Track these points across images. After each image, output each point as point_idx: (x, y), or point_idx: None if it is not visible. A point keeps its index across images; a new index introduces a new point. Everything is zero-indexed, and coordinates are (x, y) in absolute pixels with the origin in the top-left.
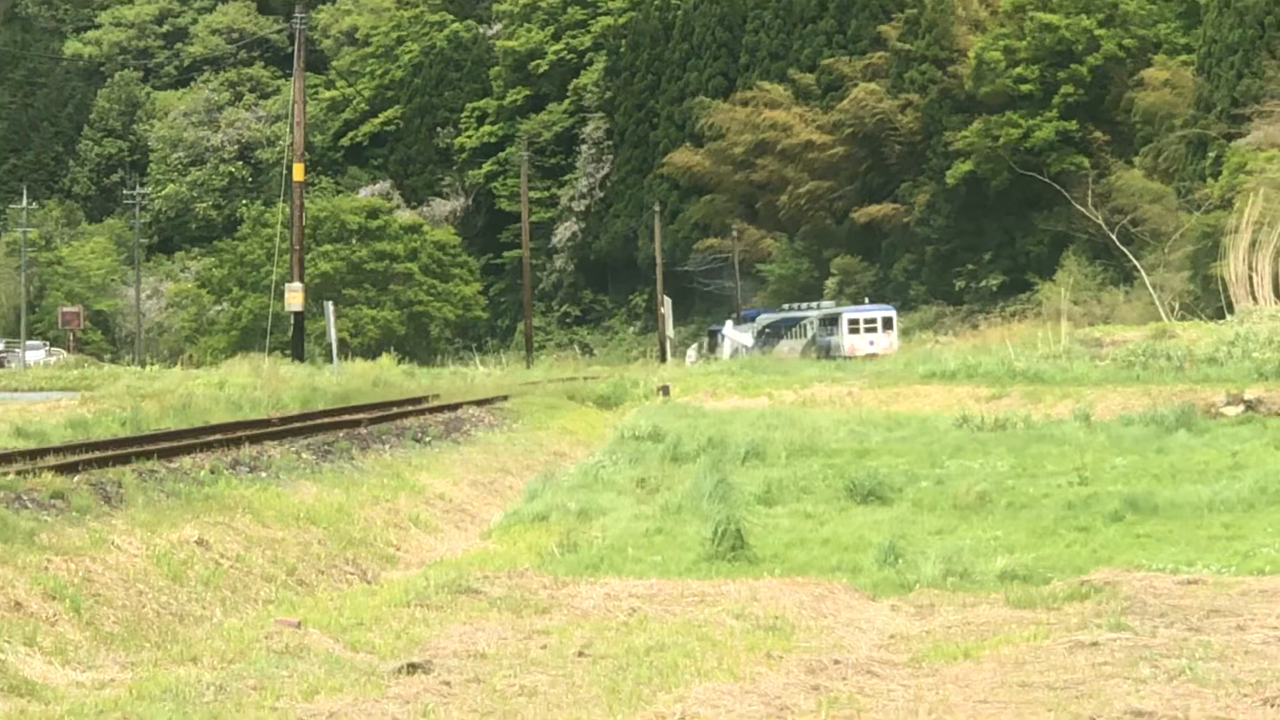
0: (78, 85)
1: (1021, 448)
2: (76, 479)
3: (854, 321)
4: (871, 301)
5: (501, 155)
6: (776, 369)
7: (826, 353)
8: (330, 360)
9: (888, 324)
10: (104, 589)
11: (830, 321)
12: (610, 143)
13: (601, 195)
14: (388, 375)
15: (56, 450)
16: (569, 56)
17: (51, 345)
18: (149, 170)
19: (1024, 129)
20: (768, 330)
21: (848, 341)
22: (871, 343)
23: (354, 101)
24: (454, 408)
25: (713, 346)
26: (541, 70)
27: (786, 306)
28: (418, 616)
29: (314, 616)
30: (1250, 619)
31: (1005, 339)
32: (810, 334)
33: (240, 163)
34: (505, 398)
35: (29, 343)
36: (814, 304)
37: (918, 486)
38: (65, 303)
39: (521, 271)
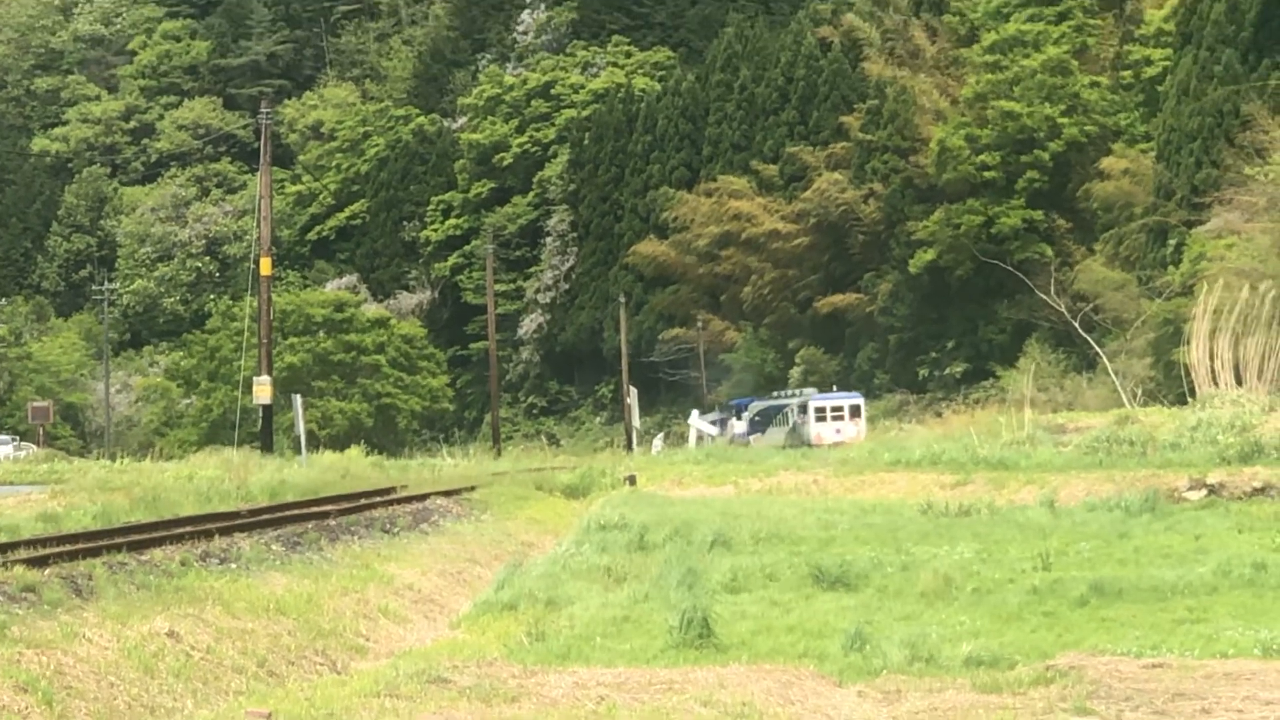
0: (46, 181)
1: (986, 534)
2: (47, 572)
3: (820, 409)
4: (840, 389)
5: (467, 248)
6: (742, 457)
7: (797, 440)
8: (299, 452)
9: (855, 411)
10: (76, 681)
11: (800, 409)
12: (575, 235)
13: (567, 287)
14: (356, 467)
15: (27, 544)
16: (533, 149)
17: (21, 439)
18: (117, 265)
19: (986, 217)
20: (758, 418)
21: (814, 429)
22: (838, 430)
23: (320, 196)
24: (422, 498)
25: (723, 430)
26: (506, 163)
27: (775, 394)
28: (388, 707)
29: (285, 707)
30: (1215, 702)
31: (969, 426)
32: (791, 421)
33: (208, 258)
34: (473, 488)
35: None
36: (798, 391)
37: (883, 573)
38: (35, 397)
39: (488, 363)
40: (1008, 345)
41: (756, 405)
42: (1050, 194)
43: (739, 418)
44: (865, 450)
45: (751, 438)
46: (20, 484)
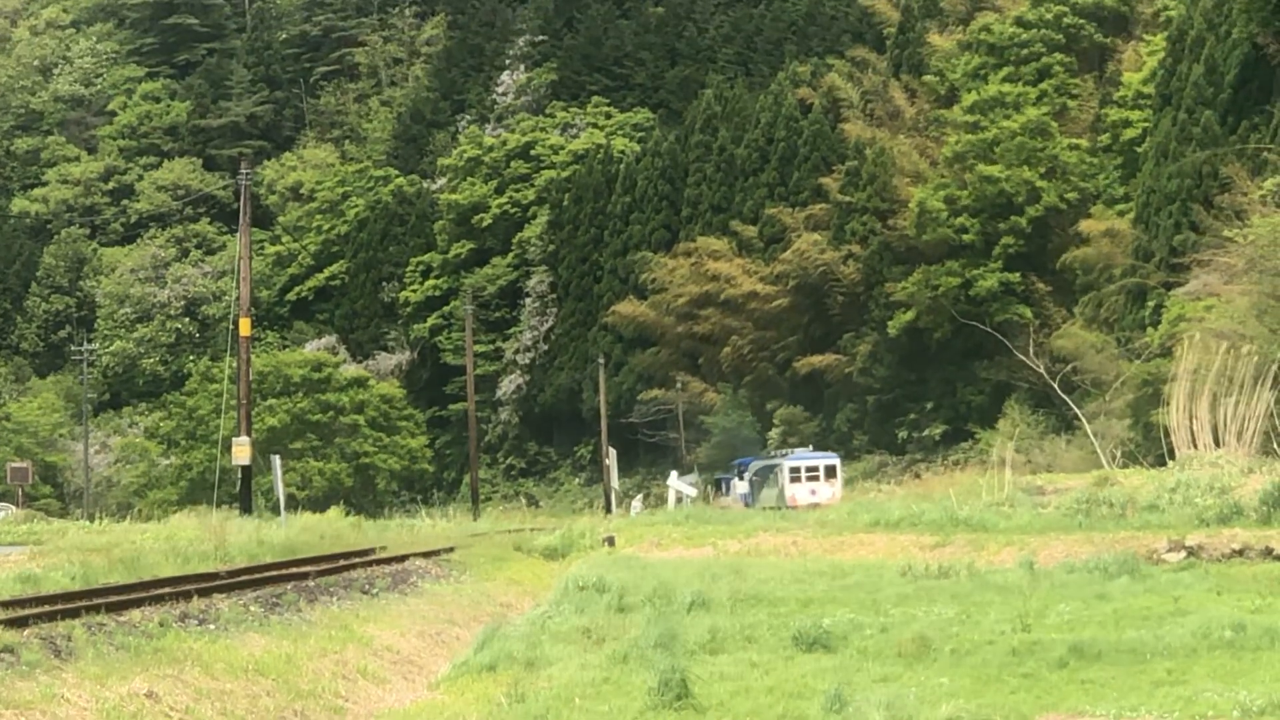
0: (25, 243)
1: (965, 595)
2: (26, 633)
3: (795, 470)
4: (817, 450)
5: (446, 309)
6: (721, 519)
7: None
8: (278, 513)
9: (830, 472)
10: None
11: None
12: (554, 295)
13: (546, 348)
14: (335, 528)
15: (5, 604)
16: (513, 210)
17: (0, 500)
18: (96, 326)
19: (965, 279)
20: (756, 479)
21: (789, 491)
22: (813, 492)
23: (299, 256)
24: (401, 559)
25: (727, 489)
26: (485, 224)
27: (772, 454)
28: None
29: None
30: None
31: (948, 488)
32: (780, 482)
33: (187, 318)
34: (452, 549)
35: None
36: (788, 451)
37: (862, 634)
38: (14, 458)
39: (467, 424)
40: (987, 406)
41: (755, 464)
42: (1029, 256)
43: (741, 478)
44: (844, 511)
45: (751, 497)
46: None
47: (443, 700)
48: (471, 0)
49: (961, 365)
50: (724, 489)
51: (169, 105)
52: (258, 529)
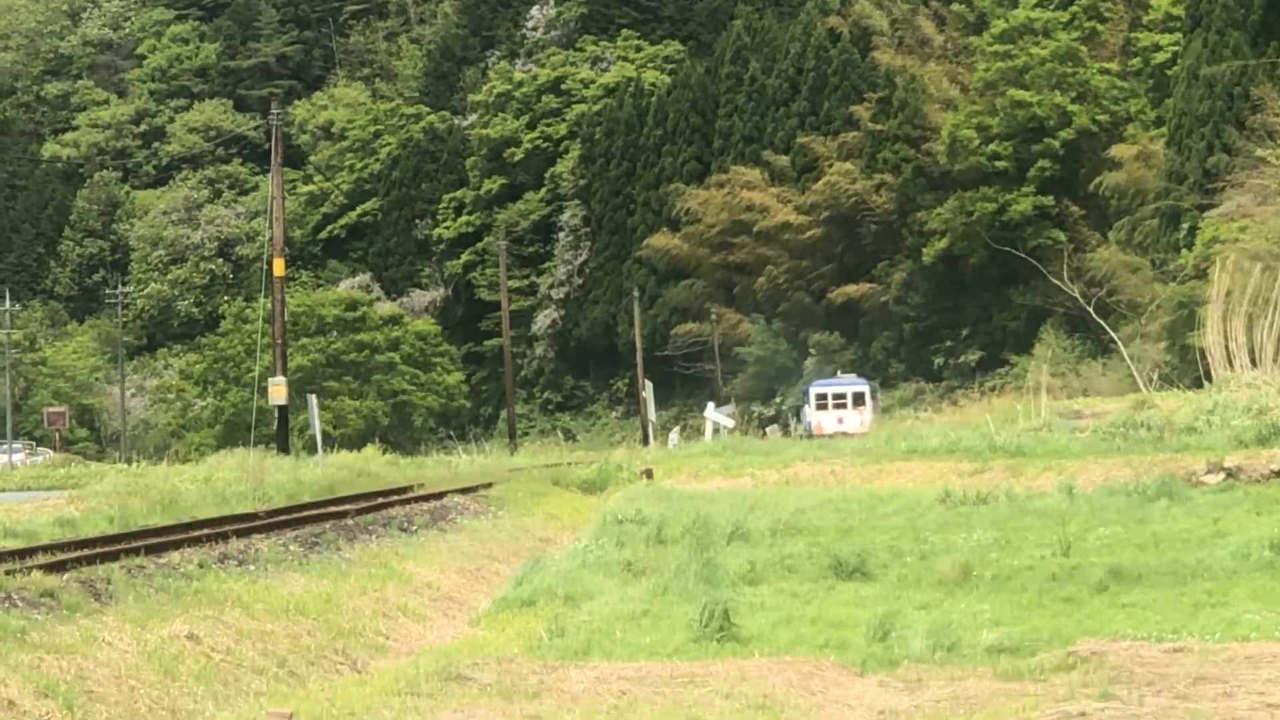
0: (57, 187)
1: (1004, 521)
2: (66, 577)
3: (821, 396)
4: (845, 375)
5: (479, 245)
6: (758, 449)
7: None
8: (315, 452)
9: (859, 399)
10: (96, 686)
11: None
12: (588, 230)
13: (580, 282)
14: (372, 466)
15: (45, 549)
16: (544, 145)
17: (37, 445)
18: (130, 269)
19: (999, 204)
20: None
21: (814, 419)
22: (840, 420)
23: (332, 195)
24: (439, 496)
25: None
26: (517, 159)
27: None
28: (409, 705)
29: (305, 708)
30: (1236, 686)
31: (985, 414)
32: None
33: (220, 260)
34: (490, 485)
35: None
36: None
37: (902, 562)
38: (51, 402)
39: (502, 360)
40: (1022, 332)
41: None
42: (1062, 181)
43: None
44: (881, 440)
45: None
46: (37, 489)
47: (483, 636)
48: None
49: (996, 291)
50: (799, 417)
51: (198, 47)
52: (295, 469)
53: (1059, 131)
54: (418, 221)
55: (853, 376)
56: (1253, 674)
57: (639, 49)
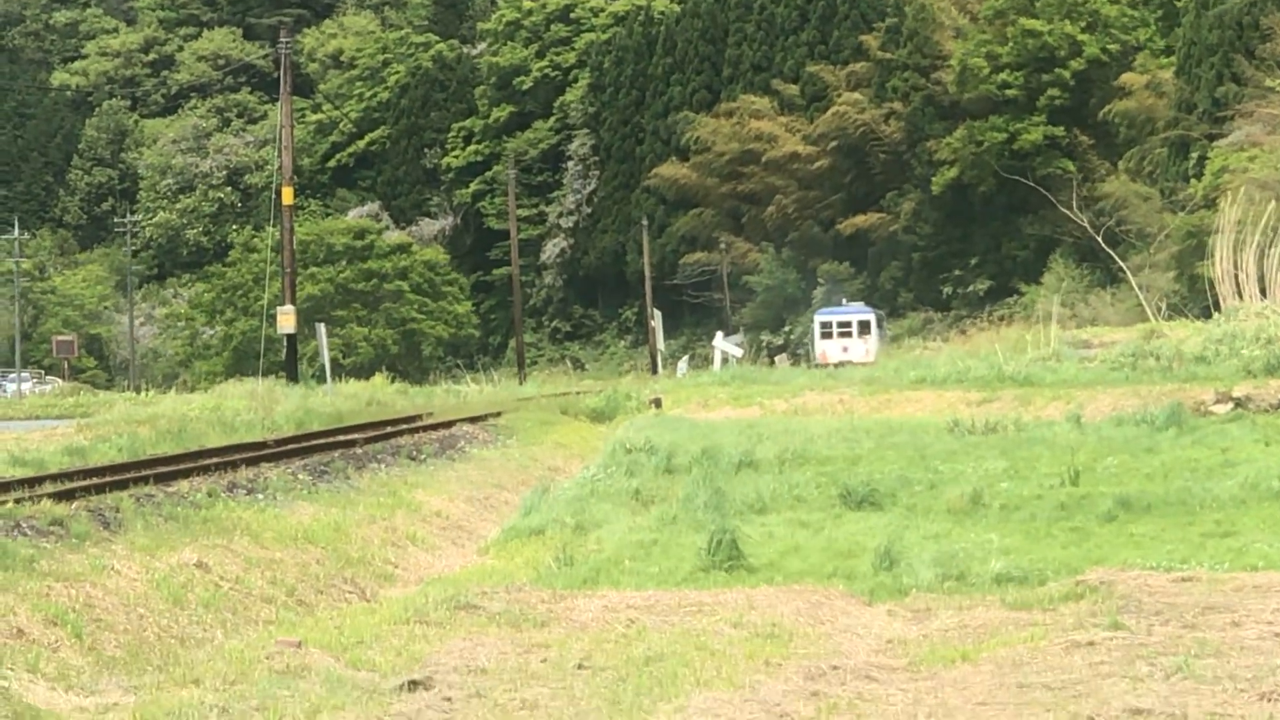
0: (66, 115)
1: (1013, 450)
2: (75, 505)
3: (826, 325)
4: (847, 303)
5: (488, 174)
6: (767, 379)
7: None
8: (324, 381)
9: (864, 328)
10: (105, 614)
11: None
12: (597, 159)
13: (589, 211)
14: (381, 395)
15: (54, 478)
16: (553, 74)
17: (46, 373)
18: (139, 198)
19: (1008, 133)
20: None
21: (818, 347)
22: (845, 349)
23: (340, 124)
24: (448, 425)
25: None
26: (526, 88)
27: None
28: (417, 633)
29: (314, 636)
30: (1245, 615)
31: (994, 343)
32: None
33: (229, 188)
34: (499, 414)
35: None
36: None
37: (911, 491)
38: (60, 331)
39: (511, 289)
40: (1031, 261)
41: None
42: (1072, 110)
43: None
44: (891, 368)
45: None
46: (46, 418)
47: (492, 564)
48: None
49: (1006, 220)
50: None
51: None
52: (304, 397)
53: (1069, 61)
54: (426, 150)
55: (859, 305)
56: (1261, 603)
57: None
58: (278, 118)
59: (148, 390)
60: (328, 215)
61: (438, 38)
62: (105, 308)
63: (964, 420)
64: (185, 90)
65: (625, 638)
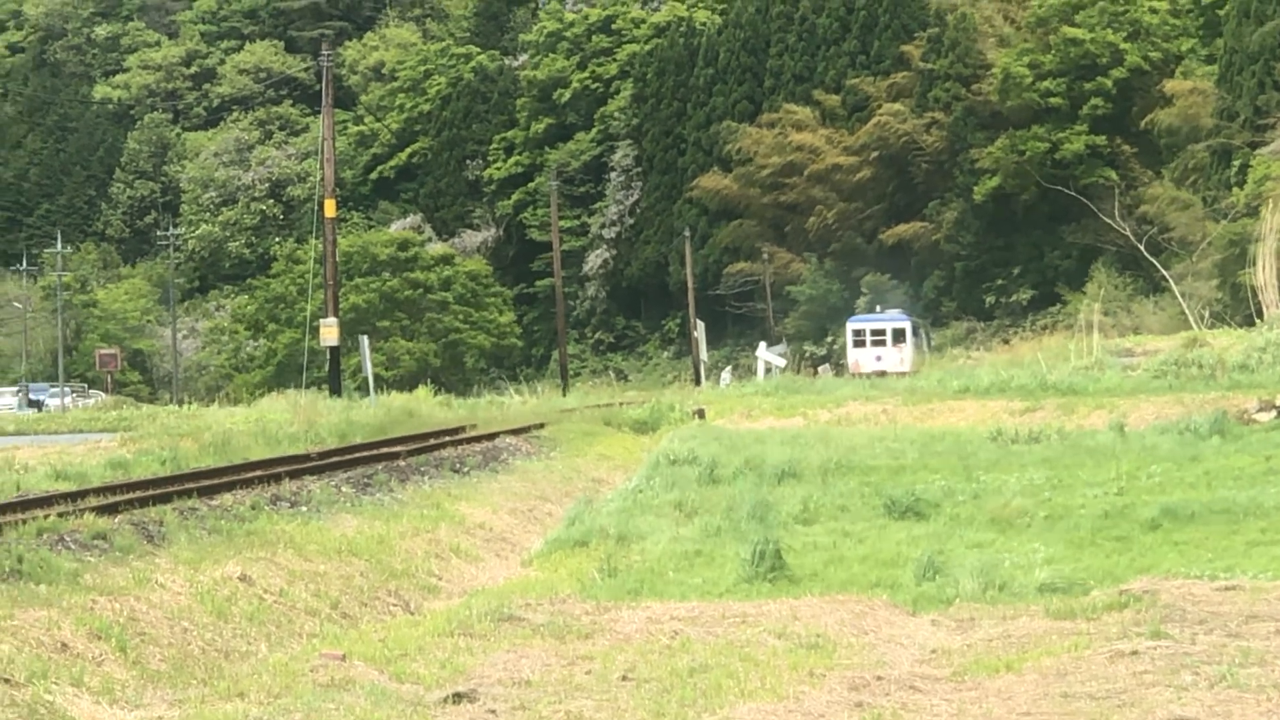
0: (108, 129)
1: (1056, 460)
2: (118, 519)
3: (858, 333)
4: (885, 311)
5: (530, 185)
6: (810, 389)
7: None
8: (366, 393)
9: (899, 336)
10: (149, 627)
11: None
12: (639, 170)
13: (632, 222)
14: (424, 407)
15: (97, 491)
16: (595, 85)
17: (89, 387)
18: (181, 211)
19: (1050, 143)
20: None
21: (851, 356)
22: (879, 358)
23: (382, 136)
24: (491, 437)
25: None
26: (565, 99)
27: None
28: (461, 645)
29: (358, 648)
30: None
31: (1037, 352)
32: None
33: (271, 201)
34: (542, 425)
35: (35, 385)
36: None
37: (954, 501)
38: (102, 345)
39: (554, 300)
40: (1074, 270)
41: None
42: (1114, 119)
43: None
44: (934, 379)
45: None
46: (89, 431)
47: (536, 576)
48: None
49: (1048, 229)
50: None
51: None
52: (347, 410)
53: (1111, 69)
54: (468, 162)
55: (895, 311)
56: None
57: None
58: (320, 130)
59: (190, 403)
60: (370, 228)
61: (479, 49)
62: (148, 321)
63: (1007, 429)
64: (227, 103)
65: (669, 649)
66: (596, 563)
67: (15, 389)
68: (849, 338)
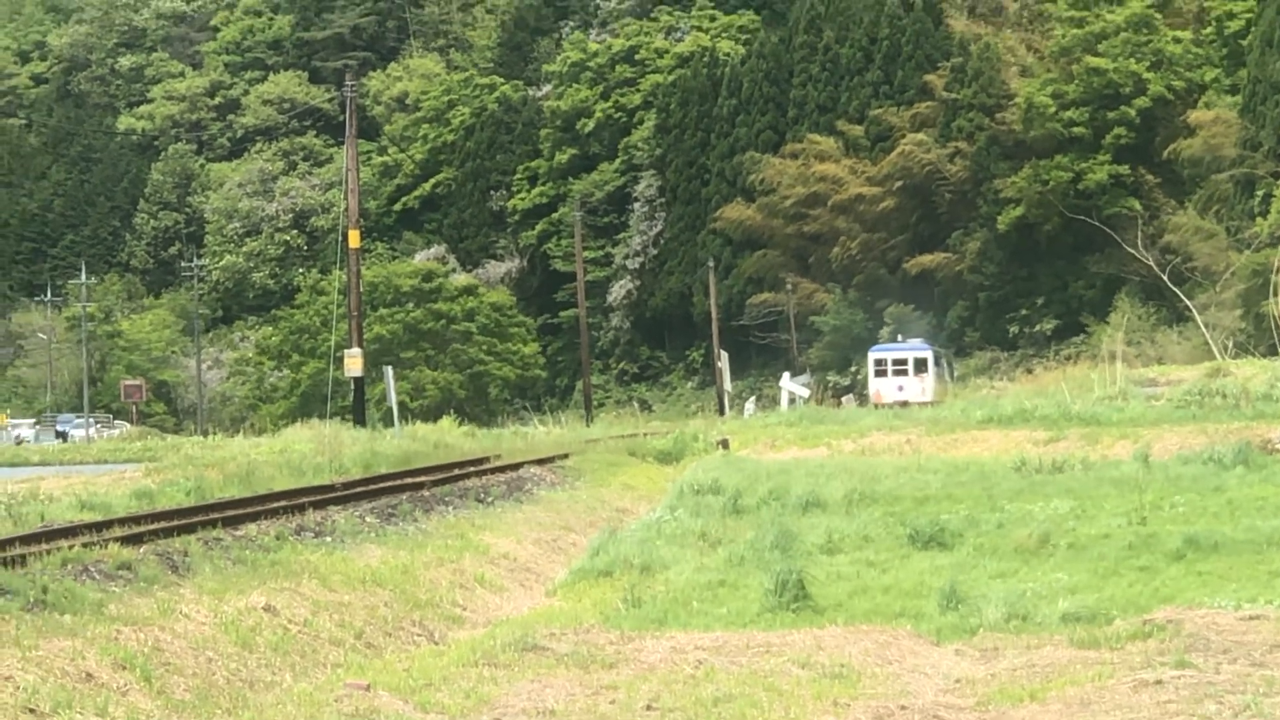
0: (132, 160)
1: (1080, 489)
2: (143, 549)
3: (880, 362)
4: (907, 340)
5: (554, 216)
6: (834, 419)
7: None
8: (391, 424)
9: (920, 366)
10: (174, 658)
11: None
12: (662, 200)
13: (655, 252)
14: (448, 437)
15: (122, 521)
16: (618, 115)
17: (113, 418)
18: (205, 242)
19: (1074, 172)
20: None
21: (872, 386)
22: (900, 388)
23: (406, 166)
24: (515, 467)
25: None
26: (589, 130)
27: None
28: (486, 675)
29: (383, 678)
30: None
31: (1060, 382)
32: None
33: (295, 231)
34: (566, 456)
35: (60, 416)
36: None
37: (978, 531)
38: (127, 376)
39: (578, 330)
40: (1097, 300)
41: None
42: (1137, 148)
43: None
44: (957, 409)
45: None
46: (114, 461)
47: (560, 606)
48: None
49: (1071, 259)
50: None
51: (271, 19)
52: (371, 440)
53: (1134, 99)
54: (492, 193)
55: (917, 341)
56: None
57: (713, 19)
58: (343, 161)
59: (215, 434)
60: (394, 258)
61: (502, 79)
62: (172, 352)
63: (1031, 460)
64: (251, 134)
65: (693, 679)
66: (621, 592)
67: (34, 420)
68: (870, 368)
